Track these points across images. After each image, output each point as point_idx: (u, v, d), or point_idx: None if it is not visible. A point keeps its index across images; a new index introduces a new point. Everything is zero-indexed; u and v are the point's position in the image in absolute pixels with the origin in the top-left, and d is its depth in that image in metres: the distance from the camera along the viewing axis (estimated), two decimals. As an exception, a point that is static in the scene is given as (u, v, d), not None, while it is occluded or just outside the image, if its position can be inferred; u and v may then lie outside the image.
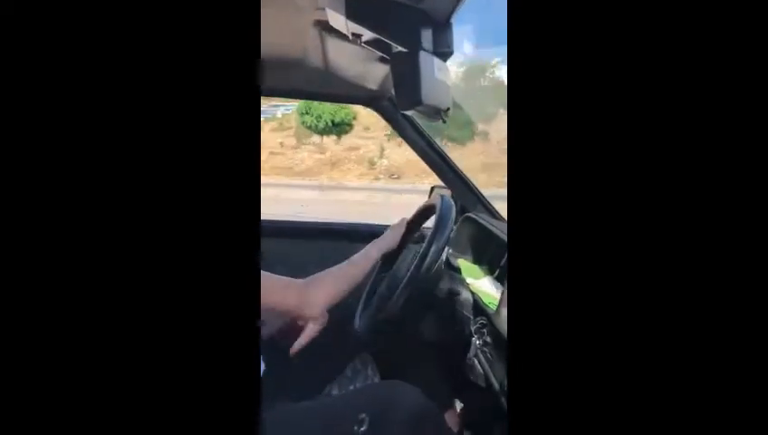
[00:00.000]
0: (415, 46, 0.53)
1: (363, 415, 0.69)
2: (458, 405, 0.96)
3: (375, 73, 0.94)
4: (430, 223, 0.85)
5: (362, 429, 0.68)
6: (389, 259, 0.97)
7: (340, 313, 0.93)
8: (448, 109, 0.61)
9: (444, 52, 0.60)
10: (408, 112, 0.59)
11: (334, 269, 0.81)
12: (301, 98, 1.13)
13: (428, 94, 0.54)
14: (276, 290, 0.72)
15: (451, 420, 0.94)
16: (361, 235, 1.10)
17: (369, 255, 0.84)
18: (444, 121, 0.63)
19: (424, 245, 0.78)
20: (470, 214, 1.11)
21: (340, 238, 1.26)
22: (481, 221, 1.04)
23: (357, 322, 0.89)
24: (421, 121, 1.08)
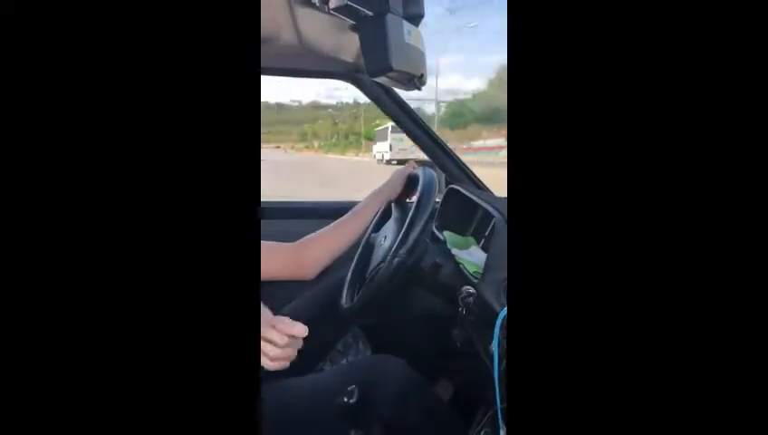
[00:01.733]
0: (382, 9, 0.51)
1: (353, 387, 0.70)
2: (447, 375, 0.97)
3: (349, 45, 0.91)
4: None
5: (352, 401, 0.69)
6: (376, 229, 0.96)
7: (327, 288, 0.93)
8: (422, 75, 0.60)
9: (414, 15, 0.59)
10: (380, 80, 0.58)
11: (327, 229, 0.80)
12: (276, 75, 1.10)
13: (399, 59, 0.52)
14: (264, 256, 0.70)
15: (440, 390, 0.95)
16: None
17: (359, 214, 0.83)
18: (418, 89, 0.61)
19: (407, 220, 0.77)
20: (454, 185, 1.10)
21: (336, 217, 1.25)
22: (465, 192, 1.03)
23: (344, 298, 0.89)
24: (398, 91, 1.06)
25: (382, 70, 0.52)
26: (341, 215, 1.19)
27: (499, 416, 0.57)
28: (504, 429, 0.56)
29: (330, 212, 1.28)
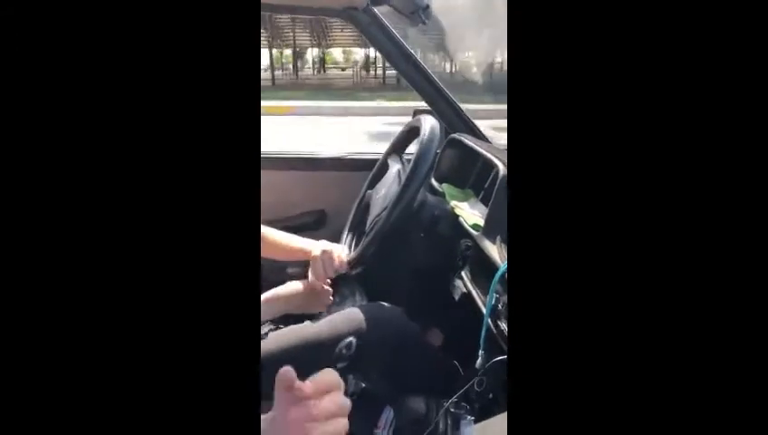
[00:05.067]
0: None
1: (351, 339, 0.70)
2: (439, 325, 0.98)
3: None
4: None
5: (350, 353, 0.69)
6: (373, 183, 0.93)
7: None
8: (428, 6, 0.54)
9: (421, -63, 0.52)
10: (381, 11, 0.52)
11: None
12: (271, 12, 1.02)
13: (404, -13, 0.47)
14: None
15: (433, 339, 0.96)
16: (364, 164, 1.10)
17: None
18: (424, 23, 0.56)
19: (407, 172, 0.74)
20: (455, 135, 1.06)
21: (347, 169, 1.24)
22: (466, 142, 0.99)
23: (343, 248, 0.87)
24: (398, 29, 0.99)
25: (385, -3, 0.46)
26: (342, 166, 1.18)
27: (479, 362, 0.63)
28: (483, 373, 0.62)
29: (329, 164, 1.25)
